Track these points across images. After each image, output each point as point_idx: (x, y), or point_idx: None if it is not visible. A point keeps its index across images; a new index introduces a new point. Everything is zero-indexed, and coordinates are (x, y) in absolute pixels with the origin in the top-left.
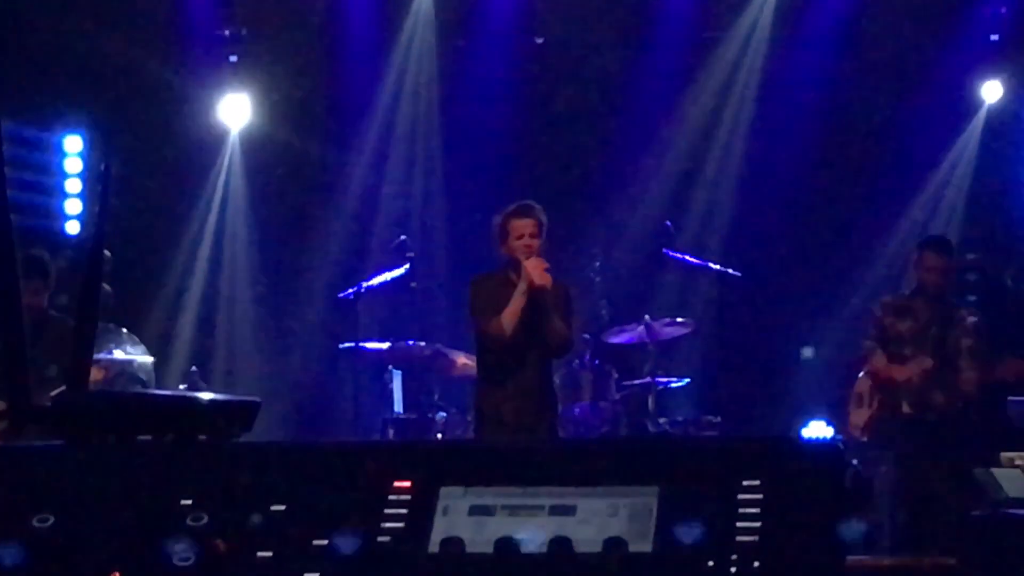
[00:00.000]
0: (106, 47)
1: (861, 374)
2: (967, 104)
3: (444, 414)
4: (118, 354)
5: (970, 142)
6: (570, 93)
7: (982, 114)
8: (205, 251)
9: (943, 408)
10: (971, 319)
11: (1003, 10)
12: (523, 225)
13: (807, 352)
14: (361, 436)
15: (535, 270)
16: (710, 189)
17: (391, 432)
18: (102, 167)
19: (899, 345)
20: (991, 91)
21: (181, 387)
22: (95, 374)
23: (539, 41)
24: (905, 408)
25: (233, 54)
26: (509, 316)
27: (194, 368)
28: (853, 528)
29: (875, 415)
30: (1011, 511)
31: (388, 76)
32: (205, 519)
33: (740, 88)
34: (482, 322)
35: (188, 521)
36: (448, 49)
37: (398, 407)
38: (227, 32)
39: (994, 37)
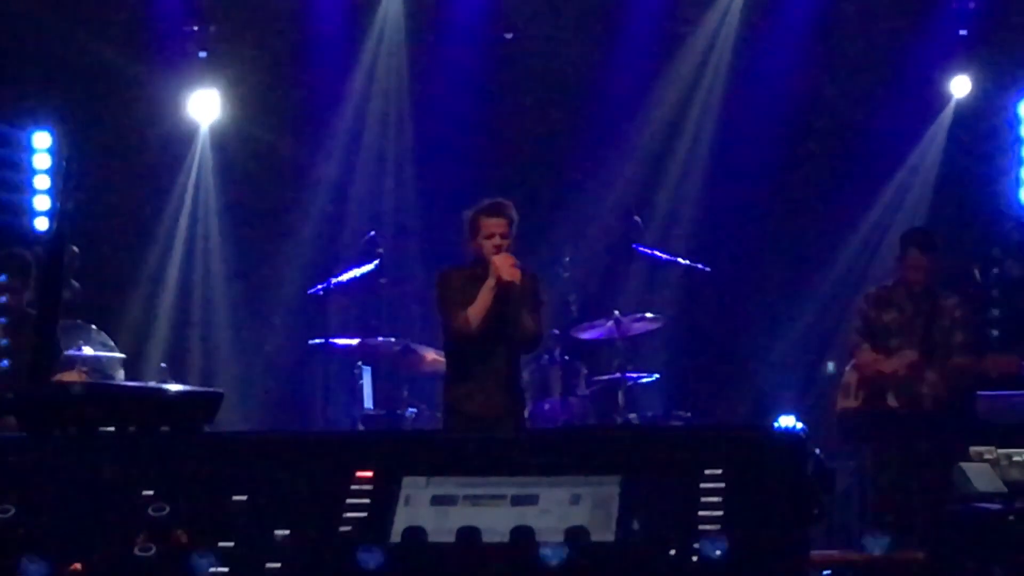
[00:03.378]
0: (75, 43)
1: (848, 366)
2: (936, 99)
3: (414, 410)
4: (87, 351)
5: (938, 137)
6: (540, 88)
7: (950, 109)
8: (177, 247)
9: (931, 401)
10: (958, 311)
11: (971, 5)
12: (494, 224)
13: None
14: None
15: (503, 265)
16: (679, 184)
17: (360, 428)
18: (64, 163)
19: (885, 337)
20: (959, 86)
21: (150, 383)
22: (76, 376)
23: (508, 36)
24: (891, 401)
25: (202, 50)
26: (476, 311)
27: (163, 364)
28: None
29: (860, 408)
30: (980, 505)
31: (358, 71)
32: (167, 510)
33: (709, 82)
34: (449, 316)
35: (149, 512)
36: (418, 44)
37: (368, 403)
38: (196, 28)
39: (963, 32)
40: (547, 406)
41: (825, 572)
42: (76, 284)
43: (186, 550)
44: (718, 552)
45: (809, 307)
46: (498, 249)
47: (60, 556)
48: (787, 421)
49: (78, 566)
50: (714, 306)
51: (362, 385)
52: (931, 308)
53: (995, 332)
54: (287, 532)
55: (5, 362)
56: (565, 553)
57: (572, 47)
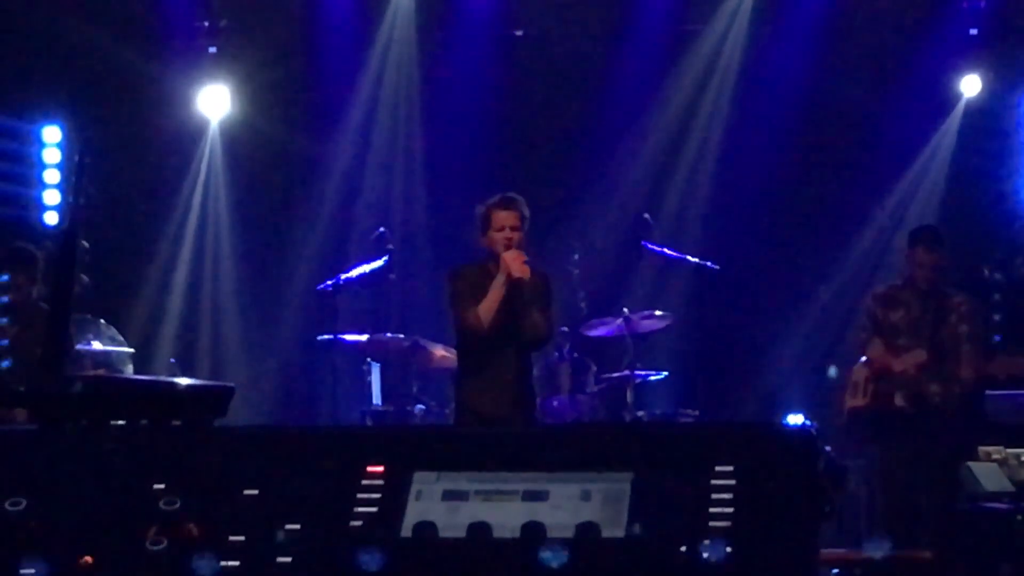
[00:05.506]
0: (85, 37)
1: (859, 363)
2: (945, 98)
3: (422, 407)
4: (96, 345)
5: (947, 136)
6: (549, 85)
7: (960, 108)
8: (187, 242)
9: (939, 400)
10: (965, 306)
11: (982, 4)
12: (505, 217)
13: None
14: None
15: (513, 262)
16: (688, 182)
17: (369, 424)
18: (76, 158)
19: (893, 336)
20: (969, 85)
21: (162, 377)
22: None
23: (518, 33)
24: (898, 400)
25: (212, 45)
26: (487, 307)
27: (172, 359)
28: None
29: (868, 405)
30: (988, 505)
31: (368, 67)
32: (178, 503)
33: (719, 81)
34: (460, 313)
35: (161, 505)
36: (428, 41)
37: (376, 399)
38: (206, 23)
39: (973, 31)
40: (556, 403)
41: (834, 571)
42: (86, 279)
43: (197, 544)
44: (728, 549)
45: (818, 305)
46: (508, 243)
47: (71, 549)
48: (795, 420)
49: (89, 559)
50: (723, 304)
51: (371, 381)
52: (939, 307)
53: (1000, 334)
54: (298, 526)
55: (7, 362)
56: (567, 556)
57: (582, 45)
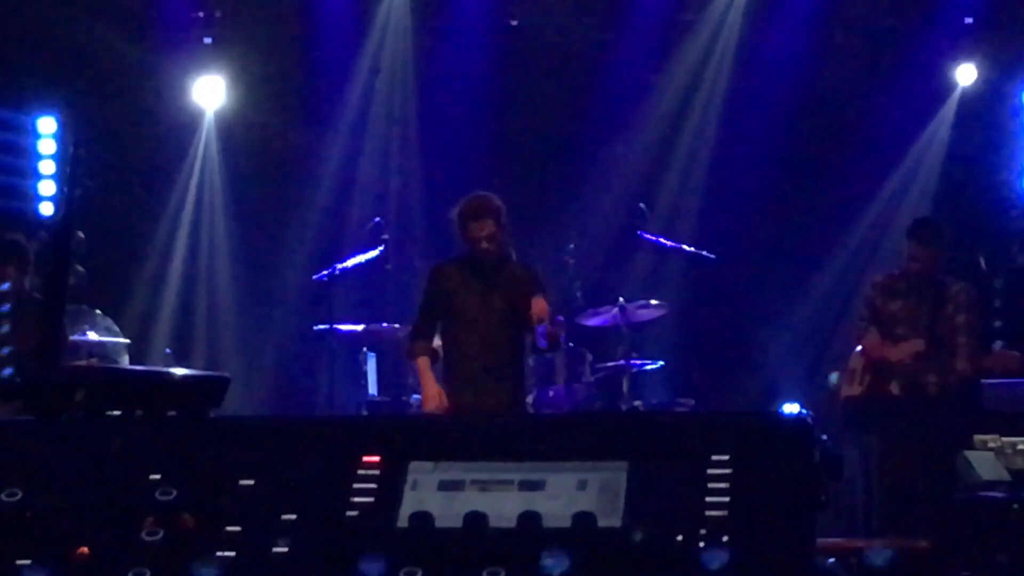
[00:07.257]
0: (80, 28)
1: (855, 351)
2: (941, 87)
3: (418, 397)
4: (92, 336)
5: (943, 125)
6: (545, 75)
7: (955, 97)
8: (183, 232)
9: (936, 390)
10: (964, 295)
11: None
12: (477, 228)
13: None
14: None
15: (431, 402)
16: (684, 171)
17: (365, 414)
18: (71, 149)
19: (891, 325)
20: (965, 74)
21: (157, 367)
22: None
23: (514, 23)
24: (895, 389)
25: (208, 35)
26: (420, 368)
27: (168, 350)
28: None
29: (864, 394)
30: (984, 494)
31: (363, 57)
32: (174, 494)
33: (714, 70)
34: (412, 331)
35: (157, 496)
36: (423, 31)
37: (372, 389)
38: (201, 14)
39: (968, 20)
40: (552, 393)
41: (830, 560)
42: (81, 269)
43: (193, 534)
44: (724, 538)
45: (814, 295)
46: (486, 253)
47: (67, 540)
48: (791, 408)
49: (85, 550)
50: (719, 293)
51: (367, 371)
52: (937, 297)
53: (996, 325)
54: (294, 516)
55: (6, 349)
56: (567, 564)
57: (577, 35)
